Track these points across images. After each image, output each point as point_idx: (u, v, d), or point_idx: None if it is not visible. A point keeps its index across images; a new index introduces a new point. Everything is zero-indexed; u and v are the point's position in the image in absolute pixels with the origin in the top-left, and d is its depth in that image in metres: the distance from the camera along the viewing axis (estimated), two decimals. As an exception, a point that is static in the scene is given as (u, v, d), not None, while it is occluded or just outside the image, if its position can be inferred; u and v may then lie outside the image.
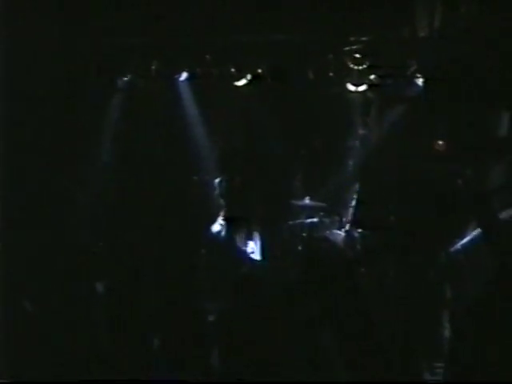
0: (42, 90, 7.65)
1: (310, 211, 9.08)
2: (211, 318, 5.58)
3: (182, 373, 4.12)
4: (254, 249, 7.66)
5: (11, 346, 4.82)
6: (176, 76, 8.68)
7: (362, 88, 8.53)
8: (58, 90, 7.77)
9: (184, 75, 8.66)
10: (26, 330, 5.21)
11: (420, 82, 8.18)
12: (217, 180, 7.93)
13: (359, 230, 8.67)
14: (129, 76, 8.49)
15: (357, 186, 9.04)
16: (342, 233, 8.69)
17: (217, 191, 7.88)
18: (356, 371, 4.34)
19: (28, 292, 5.78)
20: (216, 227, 7.82)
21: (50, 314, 5.62)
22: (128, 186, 8.06)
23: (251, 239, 7.83)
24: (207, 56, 8.37)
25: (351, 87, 8.55)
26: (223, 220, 7.80)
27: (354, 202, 8.78)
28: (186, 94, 9.10)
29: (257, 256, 7.50)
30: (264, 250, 7.81)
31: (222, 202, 7.84)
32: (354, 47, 8.01)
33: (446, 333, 5.51)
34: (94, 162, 8.37)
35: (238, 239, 7.63)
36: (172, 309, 6.21)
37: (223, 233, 7.82)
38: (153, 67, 8.45)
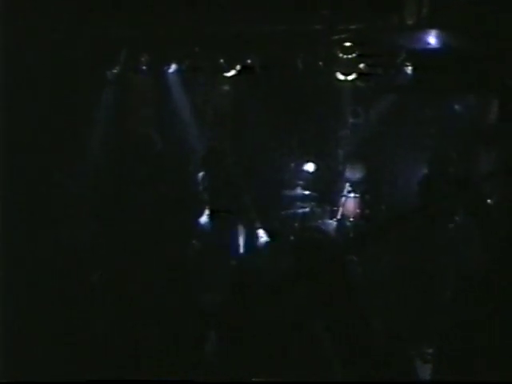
0: (32, 85, 7.62)
1: (302, 201, 9.10)
2: (204, 310, 5.60)
3: (176, 368, 4.13)
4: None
5: (11, 345, 4.82)
6: (165, 68, 8.67)
7: (352, 77, 8.52)
8: (49, 84, 7.74)
9: (173, 67, 8.64)
10: (25, 330, 5.21)
11: (409, 70, 8.18)
12: (200, 174, 7.89)
13: (351, 219, 8.70)
14: (118, 69, 8.46)
15: (348, 175, 9.07)
16: (333, 222, 8.72)
17: (201, 184, 7.88)
18: (349, 360, 4.36)
19: (28, 291, 5.77)
20: (205, 219, 7.83)
21: (50, 313, 5.63)
22: (118, 180, 8.04)
23: (240, 230, 7.84)
24: (196, 48, 8.35)
25: (340, 76, 8.53)
26: (212, 212, 7.80)
27: (345, 191, 8.80)
28: (176, 86, 9.10)
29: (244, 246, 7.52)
30: (253, 241, 7.83)
31: (206, 194, 7.83)
32: (343, 36, 7.98)
33: (438, 319, 5.55)
34: (85, 155, 8.35)
35: (228, 230, 7.65)
36: (164, 303, 6.24)
37: (213, 225, 7.83)
38: (142, 59, 8.43)
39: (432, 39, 7.22)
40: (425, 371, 4.83)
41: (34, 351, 4.93)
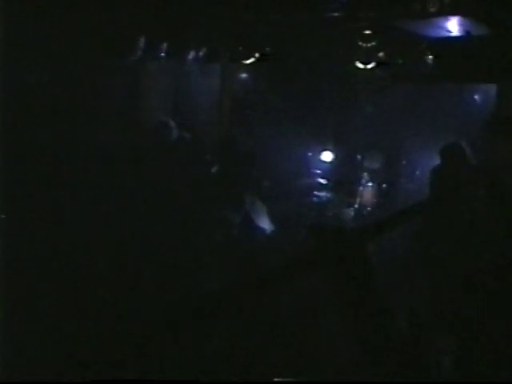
0: (48, 70, 7.63)
1: (319, 190, 9.09)
2: (220, 295, 5.60)
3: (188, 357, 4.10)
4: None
5: (11, 345, 4.81)
6: (184, 55, 8.64)
7: (371, 66, 8.44)
8: (67, 70, 7.75)
9: (192, 54, 8.61)
10: (26, 330, 5.22)
11: (430, 59, 8.09)
12: (217, 162, 7.89)
13: (368, 208, 8.69)
14: (138, 55, 8.43)
15: (366, 165, 9.04)
16: (351, 211, 8.70)
17: (218, 172, 7.87)
18: (366, 349, 4.33)
19: (28, 292, 5.78)
20: (221, 207, 7.82)
21: (51, 313, 5.64)
22: (134, 167, 8.05)
23: (261, 217, 7.83)
24: (215, 35, 8.32)
25: (360, 65, 8.47)
26: (229, 200, 7.80)
27: (363, 181, 8.78)
28: (194, 73, 9.08)
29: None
30: (271, 229, 7.82)
31: (223, 182, 7.82)
32: (363, 24, 7.90)
33: (457, 309, 5.50)
34: (100, 142, 8.35)
35: (249, 218, 7.64)
36: (181, 291, 6.26)
37: (229, 212, 7.83)
38: (161, 46, 8.40)
39: (454, 27, 7.13)
40: (444, 362, 4.81)
41: (34, 351, 4.95)
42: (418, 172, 9.01)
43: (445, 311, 5.94)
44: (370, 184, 8.84)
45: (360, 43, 8.19)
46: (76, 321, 5.44)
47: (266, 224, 7.42)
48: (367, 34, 8.09)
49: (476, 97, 9.17)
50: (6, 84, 6.06)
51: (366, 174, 8.95)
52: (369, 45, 8.17)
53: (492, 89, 8.65)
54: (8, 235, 5.58)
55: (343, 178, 9.30)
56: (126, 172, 7.95)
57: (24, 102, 7.10)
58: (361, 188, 8.83)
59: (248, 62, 8.61)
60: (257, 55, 8.51)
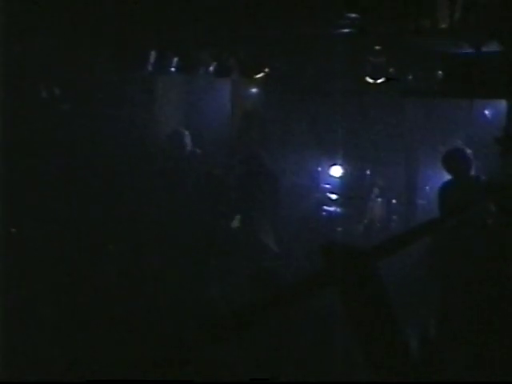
0: (58, 83, 7.67)
1: (329, 204, 9.07)
2: (228, 310, 5.58)
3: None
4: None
5: (11, 345, 4.80)
6: (194, 70, 8.67)
7: (381, 81, 8.43)
8: (77, 84, 7.78)
9: (202, 69, 8.64)
10: (26, 330, 5.21)
11: (440, 74, 8.07)
12: (229, 176, 7.89)
13: (378, 224, 8.66)
14: (148, 71, 8.48)
15: (375, 180, 9.02)
16: (361, 226, 8.69)
17: (229, 186, 7.87)
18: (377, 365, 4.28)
19: (29, 292, 5.78)
20: (232, 222, 7.81)
21: (51, 313, 5.62)
22: (145, 180, 8.06)
23: (268, 233, 7.82)
24: (225, 50, 8.35)
25: (369, 80, 8.45)
26: (240, 213, 7.80)
27: (373, 196, 8.77)
28: (204, 88, 9.10)
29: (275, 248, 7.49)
30: (281, 243, 7.80)
31: (234, 195, 7.81)
32: (373, 39, 7.91)
33: (469, 323, 5.48)
34: (112, 155, 8.36)
35: (256, 232, 7.63)
36: (188, 303, 6.24)
37: (240, 226, 7.82)
38: (171, 62, 8.44)
39: (464, 43, 7.12)
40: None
41: (34, 351, 4.94)
42: (427, 187, 8.99)
43: (457, 326, 5.91)
44: (379, 199, 8.82)
45: (370, 58, 8.19)
46: (76, 321, 5.44)
47: (272, 240, 7.40)
48: (377, 50, 8.10)
49: (486, 112, 9.15)
50: (22, 98, 6.10)
51: (375, 189, 8.93)
52: (379, 60, 8.17)
53: (502, 104, 8.62)
54: (8, 236, 5.59)
55: (353, 192, 9.28)
56: (138, 183, 7.98)
57: (38, 114, 7.14)
58: (370, 203, 8.81)
59: (257, 76, 8.62)
60: (266, 70, 8.52)
